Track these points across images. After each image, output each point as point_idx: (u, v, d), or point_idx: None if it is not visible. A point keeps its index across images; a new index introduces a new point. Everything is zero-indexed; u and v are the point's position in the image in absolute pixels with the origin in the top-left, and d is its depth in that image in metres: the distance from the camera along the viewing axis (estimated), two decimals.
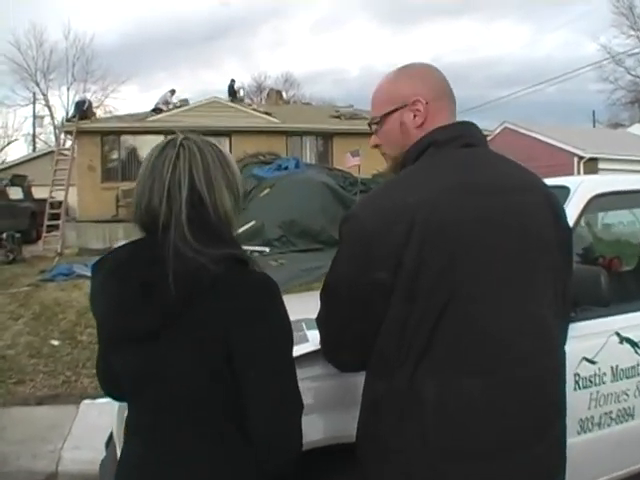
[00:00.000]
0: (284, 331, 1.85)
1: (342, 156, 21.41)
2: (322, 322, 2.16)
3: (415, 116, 2.08)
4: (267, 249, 14.92)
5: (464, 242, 1.85)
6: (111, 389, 2.10)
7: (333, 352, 2.20)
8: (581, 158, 26.27)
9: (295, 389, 1.87)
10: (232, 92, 32.72)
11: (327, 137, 26.94)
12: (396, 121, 2.12)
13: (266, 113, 27.05)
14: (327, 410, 2.60)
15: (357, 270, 1.92)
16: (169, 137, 1.95)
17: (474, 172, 1.96)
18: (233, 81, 34.34)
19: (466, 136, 2.06)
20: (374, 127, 2.20)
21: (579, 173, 25.47)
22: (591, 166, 25.85)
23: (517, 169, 2.09)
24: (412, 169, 2.02)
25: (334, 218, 15.86)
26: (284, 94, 42.68)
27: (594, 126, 46.69)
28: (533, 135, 28.22)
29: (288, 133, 26.25)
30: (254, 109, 28.32)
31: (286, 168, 19.04)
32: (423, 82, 2.12)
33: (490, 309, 1.86)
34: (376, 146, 2.23)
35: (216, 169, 1.90)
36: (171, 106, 27.32)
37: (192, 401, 1.80)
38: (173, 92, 28.18)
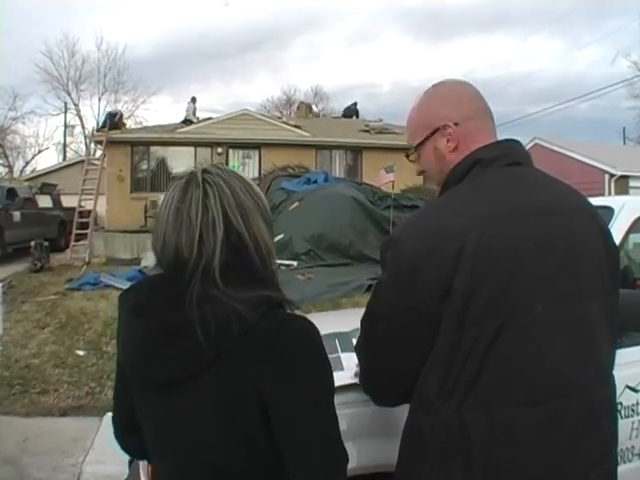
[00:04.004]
0: (326, 386, 1.68)
1: (371, 170, 21.40)
2: (362, 352, 2.05)
3: (448, 140, 2.01)
4: (295, 263, 14.85)
5: (517, 267, 1.76)
6: (129, 439, 1.96)
7: (372, 385, 2.08)
8: (612, 175, 26.08)
9: (339, 447, 1.68)
10: (353, 112, 33.76)
11: (356, 151, 26.92)
12: (430, 148, 2.06)
13: (296, 126, 27.08)
14: (362, 438, 2.51)
15: (403, 299, 1.81)
16: (186, 173, 1.76)
17: (522, 193, 1.87)
18: (355, 104, 34.85)
19: (512, 154, 1.97)
20: (412, 156, 2.13)
21: (610, 191, 25.25)
22: (622, 184, 25.63)
23: (564, 189, 2.00)
24: (457, 190, 1.93)
25: (363, 233, 15.83)
26: (314, 107, 42.68)
27: (624, 143, 46.31)
28: (563, 152, 28.06)
29: (317, 147, 26.28)
30: (284, 122, 28.35)
31: (315, 182, 18.96)
32: (450, 103, 2.05)
33: (543, 338, 1.76)
34: (422, 172, 2.17)
35: (248, 201, 1.72)
36: (197, 114, 27.57)
37: (216, 464, 1.67)
38: (194, 100, 28.41)
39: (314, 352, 1.66)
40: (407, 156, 2.15)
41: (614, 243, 2.05)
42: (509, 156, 1.95)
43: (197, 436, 1.66)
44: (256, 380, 1.58)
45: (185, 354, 1.59)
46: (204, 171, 1.73)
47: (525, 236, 1.78)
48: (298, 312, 1.73)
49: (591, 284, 1.86)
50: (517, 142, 2.03)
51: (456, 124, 1.99)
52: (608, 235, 2.01)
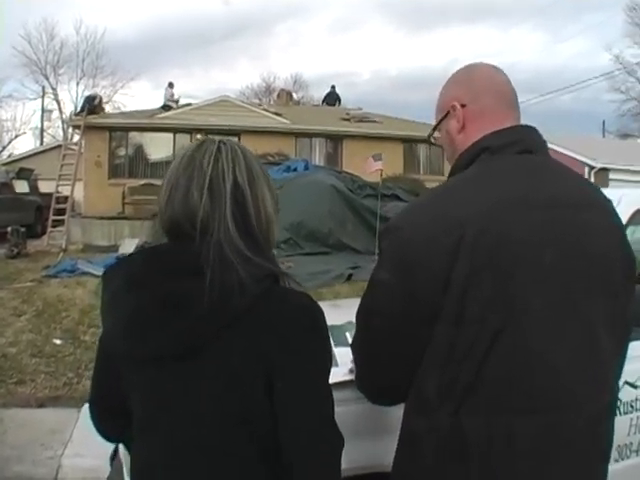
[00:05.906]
0: (326, 367, 1.68)
1: (351, 159, 21.38)
2: (357, 349, 1.98)
3: (457, 121, 1.95)
4: (274, 251, 14.77)
5: (520, 263, 1.66)
6: (107, 423, 1.90)
7: (368, 384, 2.02)
8: (592, 168, 26.17)
9: (336, 429, 1.71)
10: (335, 97, 32.96)
11: (337, 139, 26.85)
12: (443, 130, 2.03)
13: (276, 114, 26.98)
14: (355, 438, 2.43)
15: (400, 291, 1.73)
16: (205, 137, 1.79)
17: (532, 183, 1.77)
18: (334, 87, 34.25)
19: (524, 141, 1.87)
20: (432, 139, 2.11)
21: None
22: (602, 176, 25.71)
23: (577, 180, 1.92)
24: (462, 177, 1.85)
25: (342, 221, 15.82)
26: (294, 95, 42.57)
27: (604, 136, 46.60)
28: None
29: (297, 134, 26.19)
30: (264, 109, 28.23)
31: (295, 169, 18.90)
32: (462, 84, 1.99)
33: (545, 340, 1.67)
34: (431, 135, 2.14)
35: (257, 168, 1.74)
36: (176, 97, 27.49)
37: (212, 445, 1.62)
38: (172, 85, 28.12)
39: (318, 332, 1.66)
40: (429, 137, 2.12)
41: (628, 241, 1.93)
42: (520, 143, 1.85)
43: (193, 415, 1.62)
44: (257, 359, 1.56)
45: (183, 329, 1.55)
46: (223, 138, 1.78)
47: (532, 228, 1.69)
48: (297, 287, 1.72)
49: (600, 282, 1.77)
50: (533, 129, 1.94)
51: (463, 105, 1.93)
52: (624, 232, 1.93)
